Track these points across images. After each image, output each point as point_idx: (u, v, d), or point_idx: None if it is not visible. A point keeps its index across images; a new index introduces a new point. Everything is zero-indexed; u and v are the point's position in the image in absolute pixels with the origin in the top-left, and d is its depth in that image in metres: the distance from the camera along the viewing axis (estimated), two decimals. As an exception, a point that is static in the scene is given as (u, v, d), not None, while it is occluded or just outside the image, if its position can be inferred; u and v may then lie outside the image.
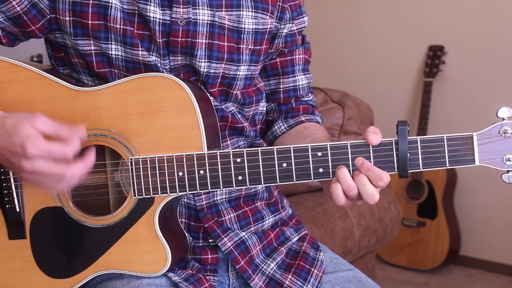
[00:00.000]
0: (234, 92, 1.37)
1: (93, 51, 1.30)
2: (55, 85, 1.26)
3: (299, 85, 1.48)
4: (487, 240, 3.67)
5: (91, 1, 1.27)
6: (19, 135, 1.11)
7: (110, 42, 1.29)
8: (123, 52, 1.29)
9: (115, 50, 1.29)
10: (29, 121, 1.13)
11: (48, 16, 1.30)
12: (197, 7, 1.30)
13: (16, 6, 1.28)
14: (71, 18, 1.28)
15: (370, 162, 1.17)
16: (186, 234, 1.33)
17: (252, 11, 1.36)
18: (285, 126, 1.46)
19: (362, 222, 2.28)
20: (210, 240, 1.36)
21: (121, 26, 1.28)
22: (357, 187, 1.16)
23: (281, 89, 1.47)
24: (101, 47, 1.29)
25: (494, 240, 3.64)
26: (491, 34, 3.52)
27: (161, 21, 1.29)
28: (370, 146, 1.17)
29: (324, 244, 1.52)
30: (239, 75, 1.36)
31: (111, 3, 1.27)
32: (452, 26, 3.66)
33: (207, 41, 1.32)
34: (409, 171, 1.16)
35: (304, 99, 1.50)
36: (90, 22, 1.28)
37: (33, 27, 1.31)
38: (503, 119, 1.14)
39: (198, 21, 1.30)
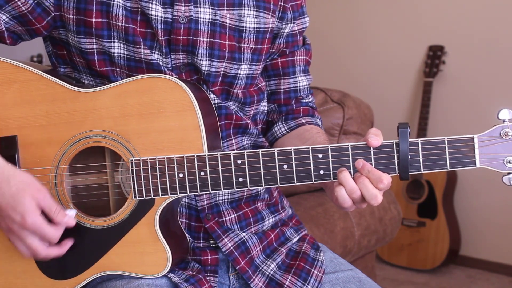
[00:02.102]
0: (235, 91, 1.37)
1: (95, 50, 1.30)
2: (56, 86, 1.26)
3: (299, 86, 1.48)
4: (487, 240, 3.66)
5: None
6: (23, 204, 1.19)
7: (112, 40, 1.29)
8: (126, 50, 1.29)
9: (118, 48, 1.29)
10: (33, 195, 1.20)
11: (53, 14, 1.30)
12: (199, 5, 1.31)
13: (21, 5, 1.28)
14: (74, 16, 1.29)
15: (371, 164, 1.17)
16: (187, 235, 1.33)
17: (253, 10, 1.36)
18: (285, 128, 1.46)
19: (362, 222, 2.28)
20: (210, 241, 1.36)
21: (123, 24, 1.28)
22: (359, 189, 1.16)
23: (282, 90, 1.47)
24: (104, 46, 1.29)
25: (494, 240, 3.64)
26: (491, 34, 3.52)
27: (163, 19, 1.29)
28: (371, 148, 1.17)
29: (324, 244, 1.52)
30: (240, 74, 1.36)
31: (114, 0, 1.27)
32: (452, 26, 3.65)
33: (208, 39, 1.32)
34: (410, 173, 1.16)
35: (304, 100, 1.50)
36: (94, 20, 1.28)
37: (38, 25, 1.31)
38: (504, 121, 1.14)
39: (199, 19, 1.30)
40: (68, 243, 1.25)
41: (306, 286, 1.35)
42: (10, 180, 1.19)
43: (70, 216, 1.22)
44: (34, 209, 1.19)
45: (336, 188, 1.18)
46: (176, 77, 1.23)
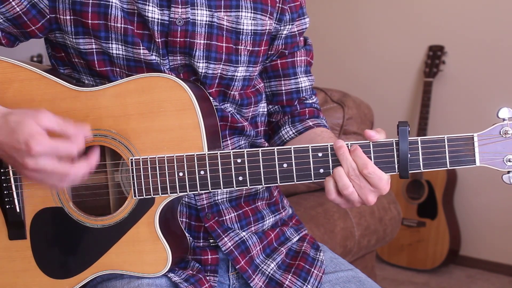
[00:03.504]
0: (232, 93, 1.37)
1: (94, 50, 1.30)
2: (56, 85, 1.26)
3: (301, 87, 1.48)
4: (487, 240, 3.67)
5: (91, 1, 1.27)
6: (23, 132, 1.11)
7: (110, 42, 1.29)
8: (124, 51, 1.29)
9: (116, 49, 1.29)
10: (34, 117, 1.12)
11: (48, 16, 1.30)
12: (196, 8, 1.30)
13: (15, 6, 1.28)
14: (71, 17, 1.28)
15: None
16: (187, 234, 1.33)
17: (251, 12, 1.35)
18: (293, 131, 1.46)
19: (362, 222, 2.28)
20: (210, 240, 1.36)
21: (122, 25, 1.28)
22: (352, 186, 1.17)
23: (283, 91, 1.47)
24: (102, 46, 1.29)
25: (494, 240, 3.64)
26: (491, 34, 3.52)
27: (159, 21, 1.29)
28: (371, 147, 1.18)
29: (324, 244, 1.52)
30: (237, 76, 1.36)
31: (111, 2, 1.27)
32: (452, 26, 3.65)
33: (205, 41, 1.31)
34: (409, 172, 1.17)
35: (308, 101, 1.50)
36: (90, 21, 1.28)
37: (33, 28, 1.31)
38: (503, 119, 1.14)
39: (196, 21, 1.30)
40: (96, 152, 1.16)
41: (306, 286, 1.35)
42: (7, 119, 1.14)
43: (82, 125, 1.15)
44: (36, 131, 1.10)
45: (326, 178, 1.19)
46: (176, 77, 1.23)
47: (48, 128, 1.12)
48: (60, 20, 1.30)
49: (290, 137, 1.45)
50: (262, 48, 1.39)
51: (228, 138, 1.38)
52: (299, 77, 1.47)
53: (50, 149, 1.11)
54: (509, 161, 1.14)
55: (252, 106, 1.42)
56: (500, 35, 3.49)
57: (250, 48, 1.37)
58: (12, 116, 1.15)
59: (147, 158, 1.22)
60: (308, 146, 1.19)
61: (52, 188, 1.21)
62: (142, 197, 1.23)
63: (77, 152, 1.14)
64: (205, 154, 1.21)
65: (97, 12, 1.27)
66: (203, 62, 1.32)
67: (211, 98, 1.32)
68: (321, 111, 1.53)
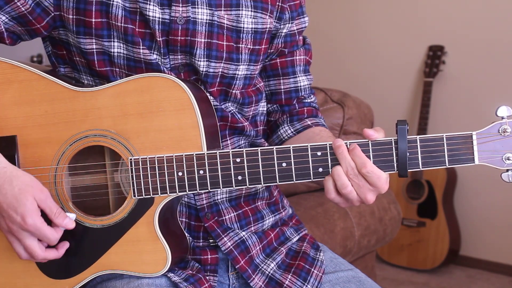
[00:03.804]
0: (233, 91, 1.37)
1: (94, 50, 1.30)
2: (55, 85, 1.26)
3: (300, 86, 1.48)
4: (487, 240, 3.66)
5: None
6: (24, 206, 1.19)
7: (112, 40, 1.29)
8: (125, 50, 1.29)
9: (117, 48, 1.29)
10: (35, 195, 1.20)
11: (53, 14, 1.30)
12: (196, 6, 1.31)
13: (20, 6, 1.28)
14: (74, 17, 1.29)
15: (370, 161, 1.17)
16: (186, 234, 1.33)
17: (251, 11, 1.36)
18: (292, 130, 1.46)
19: (362, 222, 2.27)
20: (210, 240, 1.36)
21: (123, 24, 1.28)
22: (350, 185, 1.17)
23: (282, 90, 1.47)
24: (103, 46, 1.29)
25: (494, 240, 3.64)
26: (491, 34, 3.52)
27: (160, 20, 1.29)
28: (370, 145, 1.18)
29: (324, 244, 1.52)
30: (238, 74, 1.36)
31: (113, 1, 1.28)
32: (452, 26, 3.65)
33: (206, 40, 1.32)
34: (408, 170, 1.17)
35: (306, 100, 1.50)
36: (93, 20, 1.28)
37: (38, 26, 1.31)
38: (502, 118, 1.14)
39: (197, 20, 1.31)
40: (65, 246, 1.26)
41: (306, 286, 1.35)
42: (13, 180, 1.19)
43: (70, 219, 1.23)
44: (34, 210, 1.19)
45: (326, 177, 1.19)
46: (175, 76, 1.23)
47: (43, 209, 1.21)
48: (64, 18, 1.30)
49: (288, 136, 1.45)
50: (263, 46, 1.40)
51: (228, 138, 1.38)
52: (298, 76, 1.47)
53: (38, 232, 1.20)
54: (508, 159, 1.14)
55: (253, 105, 1.42)
56: (500, 35, 3.49)
57: (251, 47, 1.37)
58: (18, 180, 1.20)
59: (146, 158, 1.22)
60: (307, 145, 1.19)
61: (18, 253, 1.25)
62: (142, 197, 1.24)
63: (56, 243, 1.23)
64: (204, 153, 1.21)
65: (99, 10, 1.28)
66: (204, 61, 1.32)
67: (211, 98, 1.32)
68: (320, 111, 1.53)
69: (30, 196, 1.19)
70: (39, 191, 1.20)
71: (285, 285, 1.35)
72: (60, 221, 1.21)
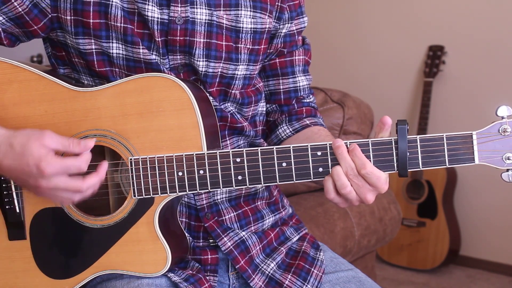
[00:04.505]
0: (233, 92, 1.37)
1: (93, 50, 1.30)
2: (55, 85, 1.26)
3: (299, 86, 1.48)
4: (487, 240, 3.66)
5: (92, 0, 1.27)
6: (32, 155, 1.14)
7: (111, 41, 1.29)
8: (124, 50, 1.29)
9: (116, 49, 1.29)
10: (39, 139, 1.15)
11: (50, 15, 1.30)
12: (195, 6, 1.31)
13: (17, 6, 1.28)
14: (72, 17, 1.29)
15: (370, 161, 1.17)
16: (186, 234, 1.33)
17: (250, 11, 1.36)
18: (290, 129, 1.46)
19: (362, 222, 2.27)
20: (210, 240, 1.36)
21: (122, 24, 1.28)
22: (350, 185, 1.17)
23: (281, 90, 1.47)
24: (102, 46, 1.29)
25: (494, 240, 3.64)
26: (491, 34, 3.52)
27: (159, 20, 1.29)
28: (370, 145, 1.18)
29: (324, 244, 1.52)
30: (237, 74, 1.36)
31: (112, 1, 1.27)
32: (452, 26, 3.65)
33: (205, 40, 1.32)
34: (408, 170, 1.17)
35: (305, 100, 1.50)
36: (91, 21, 1.28)
37: (35, 27, 1.31)
38: (502, 117, 1.14)
39: (196, 20, 1.31)
40: (104, 165, 1.20)
41: (306, 286, 1.35)
42: (12, 143, 1.17)
43: (85, 140, 1.18)
44: (45, 153, 1.15)
45: (326, 177, 1.19)
46: (175, 76, 1.23)
47: (53, 149, 1.16)
48: (61, 19, 1.30)
49: (287, 135, 1.45)
50: (262, 46, 1.40)
51: (227, 138, 1.38)
52: (297, 76, 1.47)
53: (60, 169, 1.15)
54: (508, 159, 1.14)
55: (253, 105, 1.42)
56: (500, 35, 3.49)
57: (250, 47, 1.37)
58: (16, 139, 1.17)
59: (146, 158, 1.22)
60: (307, 145, 1.19)
61: (68, 203, 1.23)
62: (142, 197, 1.24)
63: (86, 166, 1.18)
64: (204, 153, 1.21)
65: (98, 11, 1.28)
66: (203, 61, 1.32)
67: (211, 98, 1.32)
68: (318, 111, 1.53)
69: (33, 144, 1.15)
70: (40, 136, 1.16)
71: (285, 285, 1.35)
72: (77, 149, 1.17)
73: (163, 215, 1.25)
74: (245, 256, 1.36)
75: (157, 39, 1.29)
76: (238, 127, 1.38)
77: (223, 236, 1.35)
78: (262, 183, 1.21)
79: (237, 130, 1.38)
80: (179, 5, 1.29)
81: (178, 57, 1.32)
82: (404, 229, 3.64)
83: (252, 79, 1.41)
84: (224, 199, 1.38)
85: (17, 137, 1.17)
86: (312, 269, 1.38)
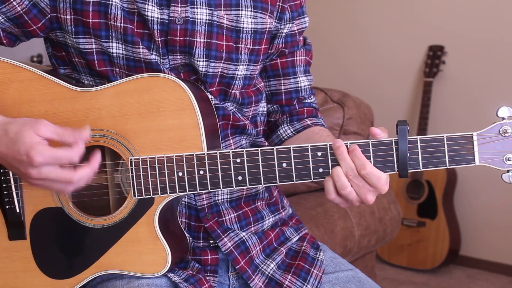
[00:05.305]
0: (233, 92, 1.37)
1: (94, 50, 1.30)
2: (55, 85, 1.26)
3: (301, 87, 1.48)
4: (487, 240, 3.66)
5: (91, 0, 1.27)
6: (23, 143, 1.13)
7: (111, 41, 1.29)
8: (124, 50, 1.29)
9: (116, 49, 1.29)
10: (33, 127, 1.14)
11: (49, 15, 1.30)
12: (195, 6, 1.30)
13: (16, 6, 1.28)
14: (72, 17, 1.29)
15: (370, 161, 1.17)
16: (186, 234, 1.33)
17: (251, 11, 1.36)
18: (291, 130, 1.46)
19: (362, 222, 2.27)
20: (210, 241, 1.36)
21: (122, 24, 1.28)
22: (350, 185, 1.17)
23: (283, 90, 1.47)
24: (102, 46, 1.29)
25: (494, 240, 3.64)
26: (491, 34, 3.52)
27: (159, 20, 1.29)
28: (370, 146, 1.18)
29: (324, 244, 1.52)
30: (237, 74, 1.36)
31: (111, 1, 1.27)
32: (452, 26, 3.65)
33: (205, 40, 1.31)
34: (409, 171, 1.17)
35: (306, 101, 1.50)
36: (91, 20, 1.28)
37: (34, 27, 1.31)
38: (503, 118, 1.14)
39: (196, 20, 1.30)
40: (97, 156, 1.17)
41: (306, 286, 1.35)
42: (7, 129, 1.16)
43: (79, 130, 1.15)
44: (35, 142, 1.12)
45: (326, 177, 1.19)
46: (175, 76, 1.23)
47: (47, 137, 1.14)
48: (61, 19, 1.30)
49: (288, 135, 1.45)
50: (263, 46, 1.39)
51: (230, 137, 1.38)
52: (299, 77, 1.47)
53: (51, 159, 1.13)
54: (509, 160, 1.14)
55: (253, 106, 1.42)
56: (500, 35, 3.49)
57: (251, 47, 1.37)
58: (11, 126, 1.16)
59: (146, 158, 1.22)
60: (308, 146, 1.19)
61: (58, 193, 1.23)
62: (142, 197, 1.23)
63: (78, 158, 1.15)
64: (204, 154, 1.21)
65: (97, 11, 1.28)
66: (203, 61, 1.32)
67: (211, 97, 1.32)
68: (319, 111, 1.53)
69: (26, 132, 1.13)
70: (35, 124, 1.14)
71: (284, 285, 1.35)
72: (71, 139, 1.15)
73: (163, 215, 1.25)
74: (245, 256, 1.36)
75: (157, 39, 1.29)
76: (241, 125, 1.37)
77: (223, 236, 1.35)
78: (262, 183, 1.21)
79: (239, 128, 1.38)
80: (179, 5, 1.29)
81: (178, 57, 1.32)
82: (404, 229, 3.64)
83: (253, 79, 1.41)
84: (225, 200, 1.38)
85: (13, 124, 1.16)
86: (312, 269, 1.38)
